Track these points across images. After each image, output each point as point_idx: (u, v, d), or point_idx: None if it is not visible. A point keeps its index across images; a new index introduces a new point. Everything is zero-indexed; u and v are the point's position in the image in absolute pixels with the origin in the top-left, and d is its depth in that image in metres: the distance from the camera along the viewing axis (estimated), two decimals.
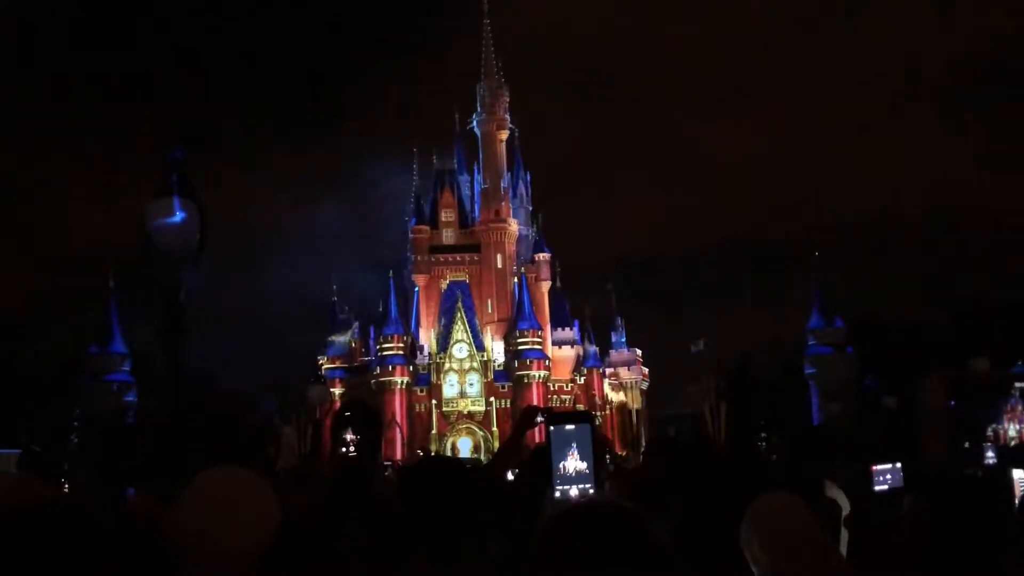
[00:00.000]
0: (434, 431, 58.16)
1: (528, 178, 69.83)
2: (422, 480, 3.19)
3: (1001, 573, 2.82)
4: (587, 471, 3.21)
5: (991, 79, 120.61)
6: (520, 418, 4.37)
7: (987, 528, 2.90)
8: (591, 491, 3.19)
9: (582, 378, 62.94)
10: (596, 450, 3.28)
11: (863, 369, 52.69)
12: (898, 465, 2.78)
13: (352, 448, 3.92)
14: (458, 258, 64.66)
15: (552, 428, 3.30)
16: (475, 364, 60.06)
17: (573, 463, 3.22)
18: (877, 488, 2.79)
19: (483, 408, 59.57)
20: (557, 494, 3.22)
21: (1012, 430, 39.92)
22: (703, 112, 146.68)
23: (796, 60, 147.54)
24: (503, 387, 59.80)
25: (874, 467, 2.80)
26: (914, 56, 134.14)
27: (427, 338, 62.09)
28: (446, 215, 65.88)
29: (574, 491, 3.18)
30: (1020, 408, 40.27)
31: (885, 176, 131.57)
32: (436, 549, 2.93)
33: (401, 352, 59.72)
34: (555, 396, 59.67)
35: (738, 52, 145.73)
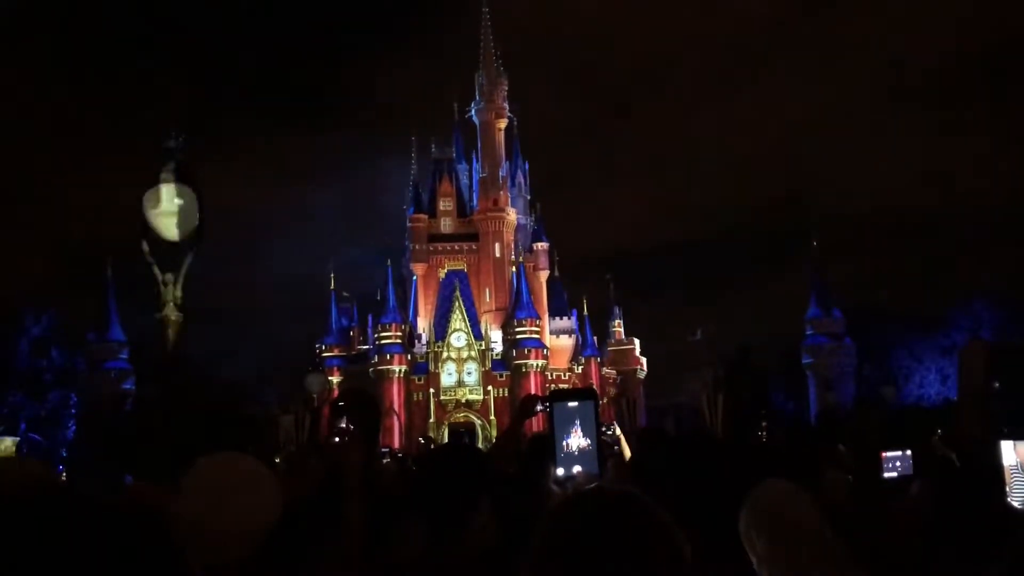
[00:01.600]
0: (432, 419, 58.24)
1: (527, 167, 69.76)
2: (440, 467, 3.12)
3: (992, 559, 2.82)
4: (590, 448, 3.13)
5: (992, 72, 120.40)
6: (519, 407, 4.36)
7: (983, 515, 2.89)
8: (594, 471, 3.11)
9: (580, 367, 63.03)
10: (599, 429, 3.21)
11: (861, 359, 52.78)
12: (908, 452, 2.76)
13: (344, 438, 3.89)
14: (456, 247, 64.58)
15: (555, 405, 3.20)
16: (473, 353, 60.06)
17: (576, 441, 3.15)
18: (887, 475, 2.77)
19: (481, 397, 59.61)
20: (560, 471, 3.16)
21: None
22: (702, 101, 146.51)
23: (796, 49, 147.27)
24: (501, 376, 59.83)
25: (884, 453, 2.78)
26: (916, 48, 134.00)
27: (425, 327, 62.09)
28: (444, 204, 65.78)
29: (577, 469, 3.12)
30: None
31: (884, 166, 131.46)
32: (435, 535, 2.92)
33: (399, 341, 59.76)
34: (553, 385, 59.65)
35: (738, 41, 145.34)
